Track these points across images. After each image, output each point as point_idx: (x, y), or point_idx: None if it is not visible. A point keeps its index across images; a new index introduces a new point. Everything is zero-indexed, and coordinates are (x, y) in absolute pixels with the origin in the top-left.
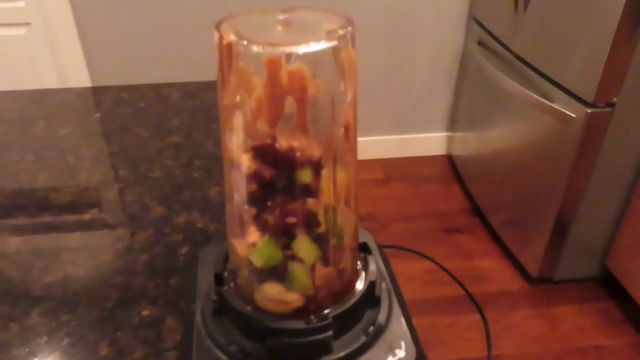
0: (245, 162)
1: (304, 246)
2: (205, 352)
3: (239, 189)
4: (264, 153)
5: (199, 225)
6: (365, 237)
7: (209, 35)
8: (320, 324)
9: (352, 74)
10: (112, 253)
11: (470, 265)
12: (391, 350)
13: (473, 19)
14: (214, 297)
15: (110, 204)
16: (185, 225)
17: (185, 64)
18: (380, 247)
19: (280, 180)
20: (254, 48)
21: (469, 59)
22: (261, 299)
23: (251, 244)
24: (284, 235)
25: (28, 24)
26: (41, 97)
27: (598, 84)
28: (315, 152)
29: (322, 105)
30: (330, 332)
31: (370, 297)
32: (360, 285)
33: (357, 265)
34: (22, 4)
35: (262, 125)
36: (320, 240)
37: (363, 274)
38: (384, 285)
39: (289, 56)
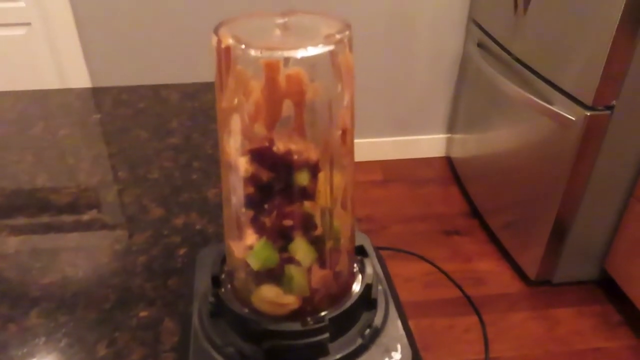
0: (242, 165)
1: (300, 249)
2: (202, 353)
3: (236, 192)
4: (261, 156)
5: (197, 227)
6: (362, 239)
7: (208, 37)
8: (316, 326)
9: (350, 78)
10: (111, 254)
11: (469, 268)
12: (387, 352)
13: (473, 21)
14: (211, 299)
15: (109, 205)
16: (183, 227)
17: (185, 65)
18: (378, 249)
19: (278, 183)
20: (252, 52)
21: (469, 61)
22: (258, 301)
23: (248, 247)
24: (281, 238)
25: (28, 24)
26: (41, 98)
27: (597, 87)
28: (313, 155)
29: (319, 109)
30: (327, 335)
31: (367, 300)
32: (356, 287)
33: (353, 267)
34: (22, 4)
35: (259, 129)
36: (317, 243)
37: (360, 276)
38: (380, 287)
39: (286, 60)
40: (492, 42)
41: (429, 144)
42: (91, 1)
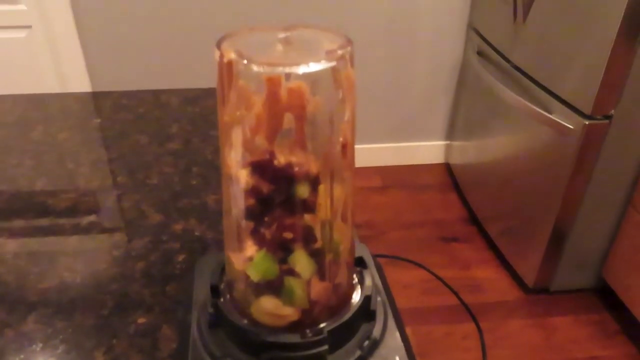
0: (243, 177)
1: (300, 261)
2: None
3: (237, 204)
4: (262, 168)
5: (196, 233)
6: (361, 250)
7: (209, 42)
8: (315, 338)
9: (351, 93)
10: (109, 260)
11: (467, 275)
12: None
13: (472, 29)
14: (210, 310)
15: (108, 210)
16: (182, 233)
17: (185, 70)
18: (376, 257)
19: (278, 196)
20: (255, 67)
21: (468, 68)
22: (257, 312)
23: (248, 258)
24: (280, 250)
25: (29, 27)
26: (41, 102)
27: (596, 96)
28: (313, 168)
29: (320, 123)
30: (326, 346)
31: (366, 312)
32: (355, 299)
33: (352, 279)
34: (23, 7)
35: (260, 141)
36: (316, 255)
37: (359, 287)
38: (379, 299)
39: (288, 75)
40: (492, 50)
41: (429, 150)
42: (92, 5)
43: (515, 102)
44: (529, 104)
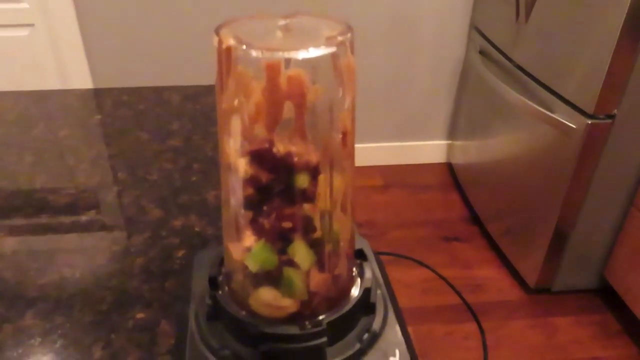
0: (242, 166)
1: (299, 251)
2: (198, 356)
3: (235, 193)
4: (261, 157)
5: (196, 229)
6: (361, 243)
7: (210, 40)
8: (314, 330)
9: (351, 81)
10: (108, 255)
11: (468, 274)
12: (385, 357)
13: (475, 28)
14: (208, 301)
15: (108, 206)
16: (182, 229)
17: (186, 67)
18: (378, 254)
19: (277, 185)
20: (253, 53)
21: (470, 68)
22: (256, 303)
23: (247, 248)
24: (279, 240)
25: (31, 25)
26: (42, 98)
27: (598, 95)
28: (313, 157)
29: (320, 111)
30: (325, 339)
31: (366, 304)
32: (355, 292)
33: (352, 271)
34: (25, 5)
35: (260, 130)
36: (316, 246)
37: (359, 280)
38: (379, 292)
39: (287, 61)
40: (494, 49)
41: (430, 150)
42: (94, 3)
43: (518, 101)
44: (531, 104)
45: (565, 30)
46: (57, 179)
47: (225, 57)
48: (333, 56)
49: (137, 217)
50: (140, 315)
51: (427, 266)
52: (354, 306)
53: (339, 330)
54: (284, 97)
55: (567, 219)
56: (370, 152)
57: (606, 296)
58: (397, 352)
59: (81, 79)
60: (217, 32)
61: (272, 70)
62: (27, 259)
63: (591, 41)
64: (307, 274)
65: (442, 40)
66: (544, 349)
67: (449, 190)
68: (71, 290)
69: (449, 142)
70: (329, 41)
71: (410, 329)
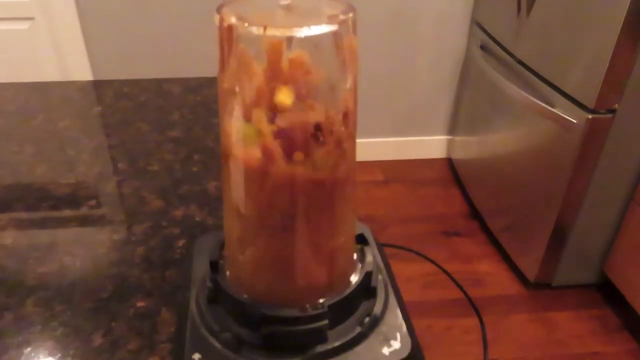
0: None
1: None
2: (199, 339)
3: (236, 174)
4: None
5: (196, 219)
6: (362, 229)
7: (211, 30)
8: (315, 312)
9: (353, 60)
10: (109, 245)
11: (468, 269)
12: (386, 341)
13: (476, 23)
14: (209, 285)
15: (109, 196)
16: (182, 219)
17: (187, 59)
18: (381, 245)
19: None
20: (255, 30)
21: (471, 63)
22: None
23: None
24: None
25: (32, 18)
26: (42, 90)
27: (599, 90)
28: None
29: (321, 91)
30: (326, 321)
31: (366, 288)
32: (356, 276)
33: (353, 255)
34: None
35: (260, 113)
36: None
37: (359, 265)
38: (380, 277)
39: (289, 40)
40: (495, 44)
41: (431, 145)
42: None
43: (519, 96)
44: (532, 98)
45: (567, 24)
46: (57, 170)
47: (227, 35)
48: (335, 35)
49: (137, 208)
50: (140, 304)
51: (431, 260)
52: (355, 290)
53: (340, 313)
54: (286, 82)
55: (567, 214)
56: (371, 147)
57: (606, 291)
58: (397, 335)
59: (81, 72)
60: (218, 10)
61: (273, 51)
62: (28, 247)
63: (592, 36)
64: (316, 247)
65: (443, 35)
66: (543, 343)
67: (450, 186)
68: (72, 278)
69: (450, 137)
70: (330, 19)
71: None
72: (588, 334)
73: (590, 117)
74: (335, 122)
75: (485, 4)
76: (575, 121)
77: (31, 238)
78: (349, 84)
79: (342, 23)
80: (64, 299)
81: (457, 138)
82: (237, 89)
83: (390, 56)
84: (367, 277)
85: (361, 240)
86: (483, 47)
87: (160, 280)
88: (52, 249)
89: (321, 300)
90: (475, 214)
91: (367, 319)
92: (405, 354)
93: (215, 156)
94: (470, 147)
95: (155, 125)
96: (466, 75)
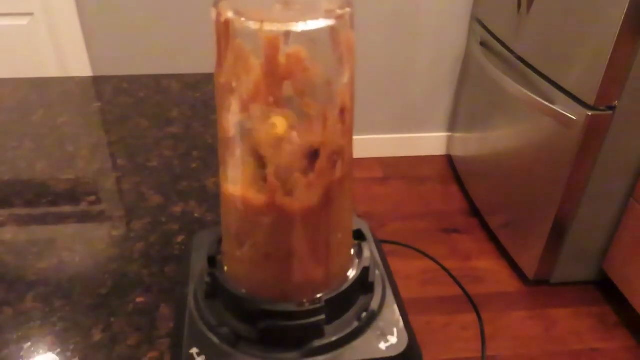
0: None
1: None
2: (197, 334)
3: (233, 170)
4: None
5: (195, 215)
6: (360, 224)
7: (210, 27)
8: (312, 307)
9: (350, 56)
10: (108, 240)
11: (467, 266)
12: (383, 336)
13: (476, 20)
14: (207, 280)
15: (108, 192)
16: (181, 215)
17: (186, 55)
18: (380, 241)
19: None
20: (252, 25)
21: (471, 59)
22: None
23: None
24: None
25: (31, 14)
26: (41, 86)
27: (599, 87)
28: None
29: (318, 87)
30: (323, 316)
31: (364, 283)
32: (353, 271)
33: (351, 250)
34: None
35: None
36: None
37: (357, 260)
38: (377, 272)
39: (286, 34)
40: (495, 41)
41: (430, 141)
42: None
43: (518, 93)
44: (532, 95)
45: (567, 21)
46: (57, 166)
47: (224, 30)
48: (332, 29)
49: (137, 203)
50: (139, 299)
51: (430, 257)
52: (352, 285)
53: (337, 308)
54: (283, 77)
55: (566, 211)
56: (370, 144)
57: (605, 288)
58: (394, 330)
59: (80, 68)
60: (215, 5)
61: (270, 46)
62: (27, 243)
63: (593, 32)
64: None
65: (443, 32)
66: (542, 340)
67: (449, 183)
68: (71, 274)
69: (449, 134)
70: (328, 14)
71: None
72: (586, 330)
73: (590, 113)
74: (334, 146)
75: (485, 0)
76: (574, 118)
77: (31, 234)
78: (346, 78)
79: (339, 18)
80: (63, 294)
81: (457, 135)
82: (234, 84)
83: (389, 52)
84: (364, 273)
85: (359, 236)
86: (483, 44)
87: (159, 275)
88: (52, 245)
89: (318, 295)
90: (474, 211)
91: (364, 314)
92: (402, 348)
93: (214, 152)
94: (470, 144)
95: (155, 122)
96: (466, 71)
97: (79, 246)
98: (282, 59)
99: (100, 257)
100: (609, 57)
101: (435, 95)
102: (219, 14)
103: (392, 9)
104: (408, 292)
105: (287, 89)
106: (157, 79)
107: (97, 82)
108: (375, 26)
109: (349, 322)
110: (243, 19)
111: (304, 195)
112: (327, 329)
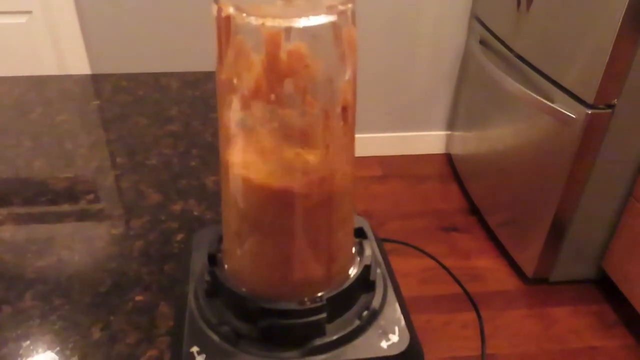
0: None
1: None
2: (197, 332)
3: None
4: None
5: (195, 213)
6: (361, 222)
7: (209, 25)
8: (314, 305)
9: (352, 52)
10: (107, 239)
11: (467, 264)
12: (385, 335)
13: (475, 18)
14: (207, 278)
15: (107, 190)
16: (181, 213)
17: (185, 53)
18: (380, 240)
19: None
20: (253, 20)
21: (471, 58)
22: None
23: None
24: None
25: (29, 12)
26: (40, 84)
27: (599, 85)
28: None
29: (320, 84)
30: (324, 314)
31: (365, 282)
32: (354, 269)
33: (352, 249)
34: None
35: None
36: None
37: (358, 258)
38: (378, 271)
39: (288, 30)
40: (494, 39)
41: (429, 140)
42: None
43: (518, 91)
44: (532, 93)
45: (567, 19)
46: (55, 164)
47: (225, 26)
48: (334, 25)
49: (136, 202)
50: (139, 298)
51: (430, 255)
52: (353, 283)
53: (338, 306)
54: (284, 74)
55: (565, 210)
56: (369, 142)
57: (604, 287)
58: (396, 329)
59: (79, 66)
60: (216, 1)
61: (271, 42)
62: (26, 241)
63: (592, 31)
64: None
65: (442, 30)
66: (541, 338)
67: (448, 181)
68: (70, 272)
69: (449, 132)
70: (329, 10)
71: None
72: (585, 329)
73: (589, 112)
74: (336, 144)
75: None
76: (574, 116)
77: (29, 232)
78: (348, 75)
79: (341, 14)
80: (62, 292)
81: (456, 133)
82: (235, 80)
83: (389, 51)
84: (365, 271)
85: (360, 234)
86: (482, 42)
87: (158, 274)
88: (51, 243)
89: (319, 294)
90: (473, 209)
91: (365, 313)
92: (403, 347)
93: (213, 151)
94: (469, 143)
95: (154, 120)
96: (465, 70)
97: (78, 244)
98: (283, 55)
99: (99, 255)
100: (608, 55)
101: (434, 93)
102: (220, 10)
103: (391, 7)
104: (407, 290)
105: (289, 86)
106: (156, 77)
107: (96, 80)
108: (375, 24)
109: (350, 320)
110: (244, 15)
111: (305, 193)
112: (328, 327)
